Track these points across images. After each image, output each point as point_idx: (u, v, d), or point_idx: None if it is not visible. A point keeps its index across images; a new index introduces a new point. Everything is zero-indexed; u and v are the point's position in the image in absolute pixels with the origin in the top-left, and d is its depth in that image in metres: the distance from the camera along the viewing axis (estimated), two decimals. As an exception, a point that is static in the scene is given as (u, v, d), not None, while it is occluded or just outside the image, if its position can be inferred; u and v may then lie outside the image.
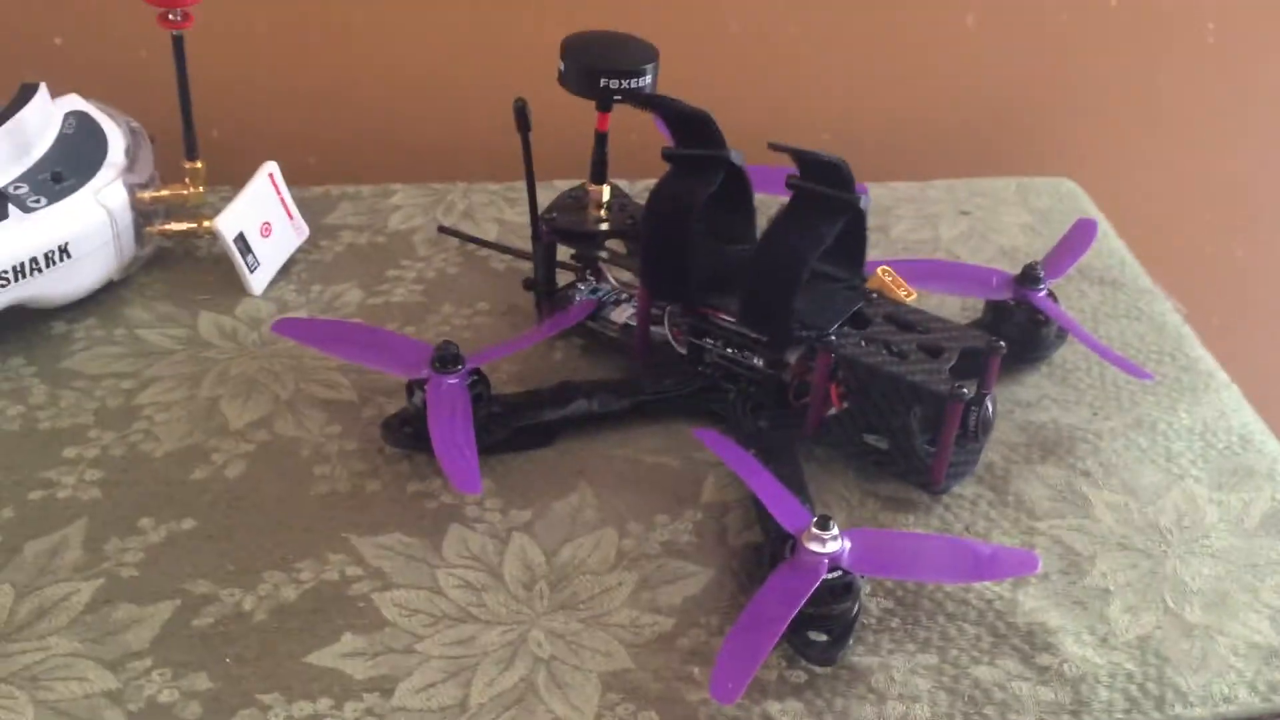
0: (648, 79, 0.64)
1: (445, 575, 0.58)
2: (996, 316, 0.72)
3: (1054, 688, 0.53)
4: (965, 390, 0.59)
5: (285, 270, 0.78)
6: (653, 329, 0.68)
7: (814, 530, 0.52)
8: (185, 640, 0.54)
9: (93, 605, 0.55)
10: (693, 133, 0.63)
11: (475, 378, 0.62)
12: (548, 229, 0.68)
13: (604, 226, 0.68)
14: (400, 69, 0.92)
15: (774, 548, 0.55)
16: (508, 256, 0.79)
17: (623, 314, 0.70)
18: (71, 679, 0.52)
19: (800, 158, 0.60)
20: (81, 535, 0.58)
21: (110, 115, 0.76)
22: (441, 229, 0.81)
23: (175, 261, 0.78)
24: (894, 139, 1.00)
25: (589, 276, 0.72)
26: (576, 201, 0.69)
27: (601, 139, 0.67)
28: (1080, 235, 0.77)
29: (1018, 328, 0.71)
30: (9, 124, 0.70)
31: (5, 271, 0.67)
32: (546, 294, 0.71)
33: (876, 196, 0.88)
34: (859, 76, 0.98)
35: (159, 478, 0.62)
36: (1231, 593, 0.59)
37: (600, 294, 0.71)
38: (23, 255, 0.67)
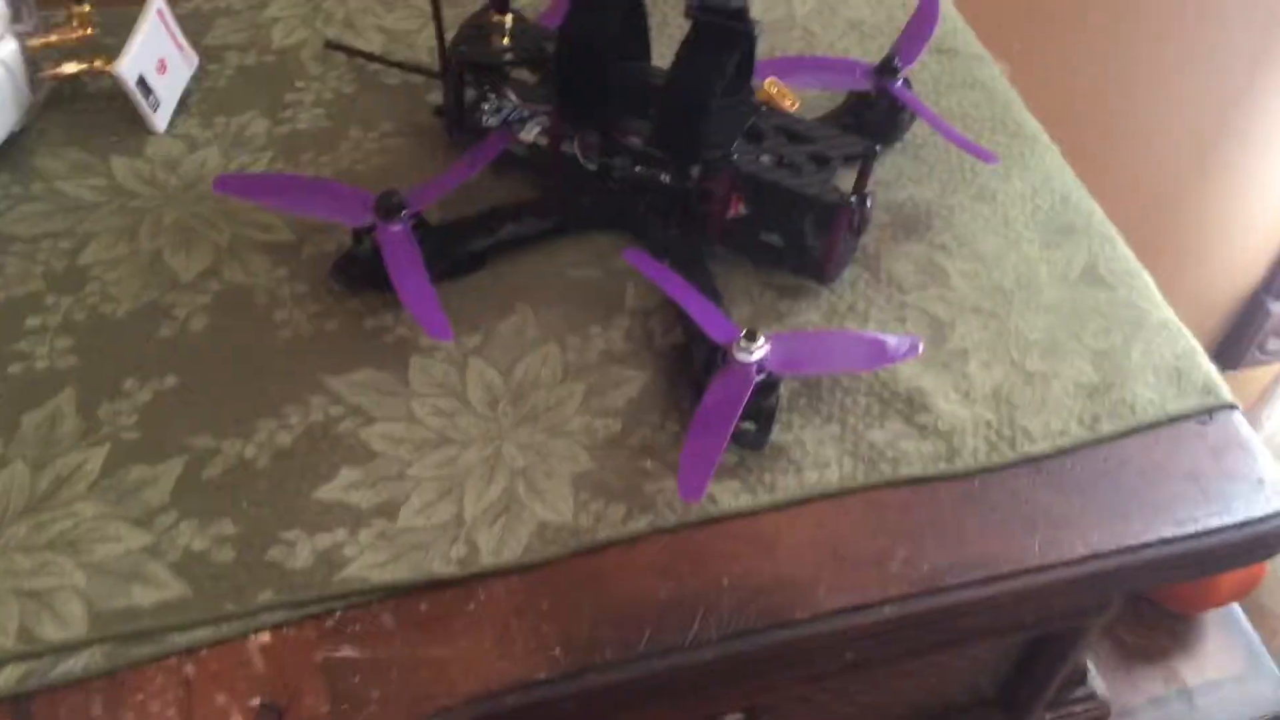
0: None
1: (418, 404, 0.65)
2: (860, 106, 0.80)
3: (932, 441, 0.66)
4: (851, 199, 0.68)
5: (183, 103, 0.79)
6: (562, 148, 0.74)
7: (743, 343, 0.62)
8: (201, 491, 0.61)
9: (107, 469, 0.61)
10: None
11: (417, 220, 0.67)
12: (456, 61, 0.72)
13: (510, 56, 0.72)
14: None
15: (706, 355, 0.65)
16: (399, 70, 0.82)
17: (529, 132, 0.75)
18: (108, 540, 0.59)
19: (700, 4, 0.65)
20: (73, 403, 0.63)
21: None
22: (329, 44, 0.83)
23: (69, 103, 0.78)
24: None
25: (490, 95, 0.76)
26: (480, 30, 0.73)
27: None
28: (926, 16, 0.85)
29: (880, 115, 0.80)
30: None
31: (-83, 145, 0.67)
32: (458, 122, 0.75)
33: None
34: None
35: (128, 338, 0.66)
36: (1061, 340, 0.72)
37: (506, 114, 0.75)
38: (-70, 126, 0.67)
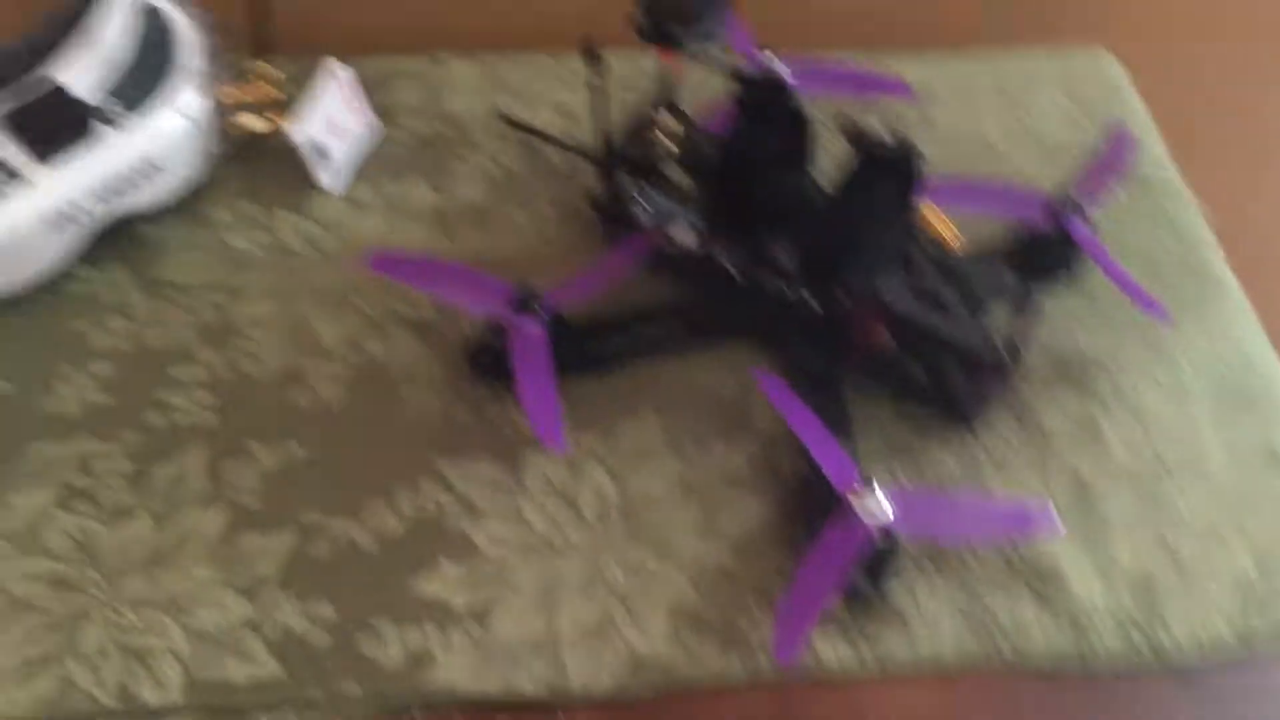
0: (717, 33, 0.65)
1: (527, 504, 0.65)
2: (1031, 239, 0.76)
3: (1061, 622, 0.62)
4: (1003, 353, 0.64)
5: (357, 164, 0.81)
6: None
7: (862, 495, 0.59)
8: (307, 569, 0.62)
9: (224, 534, 0.63)
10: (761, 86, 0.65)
11: (553, 317, 0.67)
12: (617, 154, 0.71)
13: (671, 159, 0.71)
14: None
15: (824, 497, 0.62)
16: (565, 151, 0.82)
17: (681, 234, 0.73)
18: (213, 606, 0.60)
19: (862, 138, 0.62)
20: (203, 461, 0.65)
21: (182, 8, 0.77)
22: (502, 118, 0.84)
23: (250, 155, 0.81)
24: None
25: (647, 192, 0.75)
26: (646, 127, 0.72)
27: (673, 76, 0.69)
28: (1119, 149, 0.80)
29: (1052, 252, 0.75)
30: (86, 32, 0.71)
31: (96, 191, 0.70)
32: (612, 215, 0.74)
33: (913, 73, 0.89)
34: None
35: (264, 401, 0.68)
36: (1222, 526, 0.67)
37: (660, 212, 0.74)
38: (111, 174, 0.71)
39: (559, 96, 0.87)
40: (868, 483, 0.60)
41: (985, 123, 0.89)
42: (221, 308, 0.72)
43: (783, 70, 0.71)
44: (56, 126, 0.68)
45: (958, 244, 0.70)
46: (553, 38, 0.91)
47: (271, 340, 0.71)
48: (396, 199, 0.79)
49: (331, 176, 0.79)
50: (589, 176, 0.81)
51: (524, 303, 0.66)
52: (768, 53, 0.68)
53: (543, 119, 0.85)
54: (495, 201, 0.80)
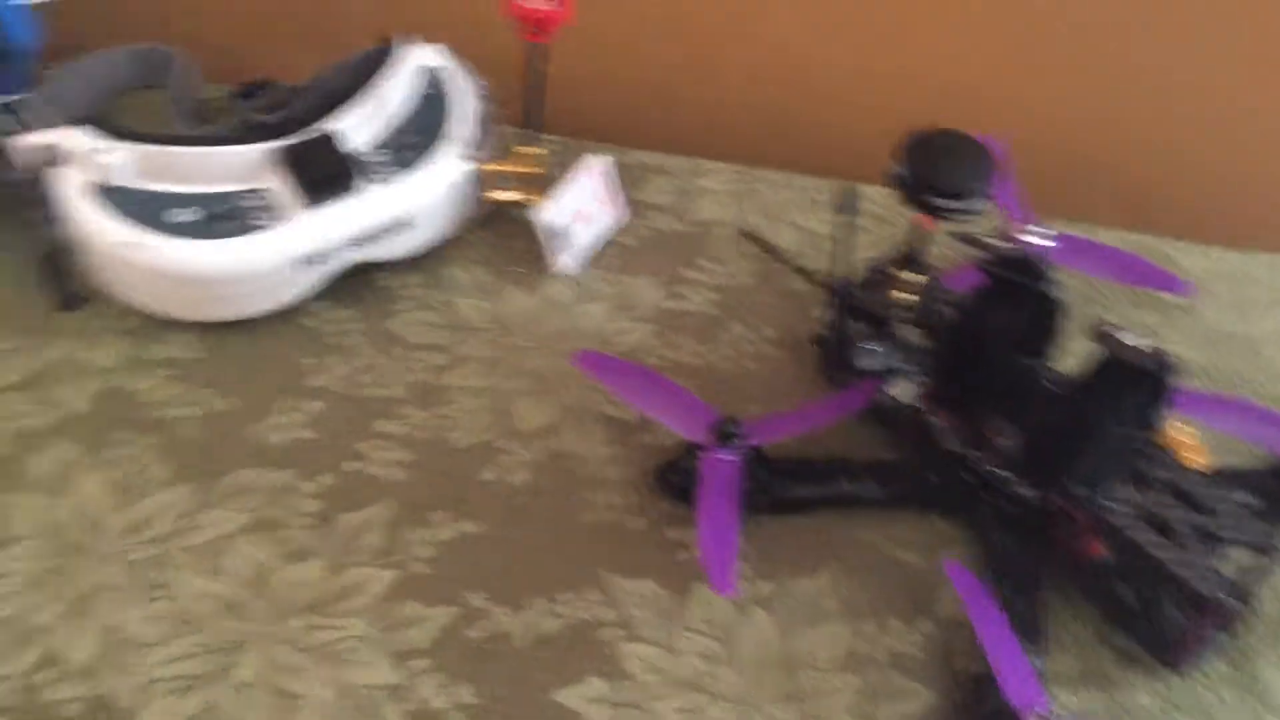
0: (980, 207, 0.62)
1: (686, 637, 0.63)
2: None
3: None
4: (1230, 601, 0.58)
5: (595, 250, 0.82)
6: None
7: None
8: (458, 649, 0.62)
9: (388, 595, 0.63)
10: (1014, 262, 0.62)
11: (751, 451, 0.65)
12: (848, 297, 0.69)
13: (902, 313, 0.68)
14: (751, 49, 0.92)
15: (996, 709, 0.58)
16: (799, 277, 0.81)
17: (900, 389, 0.71)
18: (364, 666, 0.61)
19: (1113, 342, 0.58)
20: (385, 518, 0.67)
21: (464, 75, 0.80)
22: (744, 233, 0.83)
23: (497, 223, 0.83)
24: (1216, 199, 0.93)
25: (872, 339, 0.72)
26: (884, 276, 0.70)
27: (924, 235, 0.67)
28: None
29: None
30: (372, 89, 0.75)
31: (351, 239, 0.73)
32: (833, 355, 0.72)
33: (1190, 264, 0.84)
34: (1183, 123, 0.91)
35: (454, 471, 0.69)
36: None
37: (882, 362, 0.71)
38: (369, 225, 0.73)
39: (806, 219, 0.85)
40: (1050, 709, 0.55)
41: (1256, 326, 0.82)
42: (436, 370, 0.74)
43: (1047, 241, 0.68)
44: (327, 175, 0.71)
45: (1201, 466, 0.64)
46: (813, 158, 0.91)
47: (474, 412, 0.72)
48: (626, 293, 0.80)
49: (569, 259, 0.80)
50: (820, 307, 0.79)
51: (724, 432, 0.64)
52: (1035, 223, 0.65)
53: (785, 239, 0.84)
54: (721, 314, 0.79)
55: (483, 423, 0.71)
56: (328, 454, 0.69)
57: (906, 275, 0.68)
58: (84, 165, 0.70)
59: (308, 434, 0.70)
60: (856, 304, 0.69)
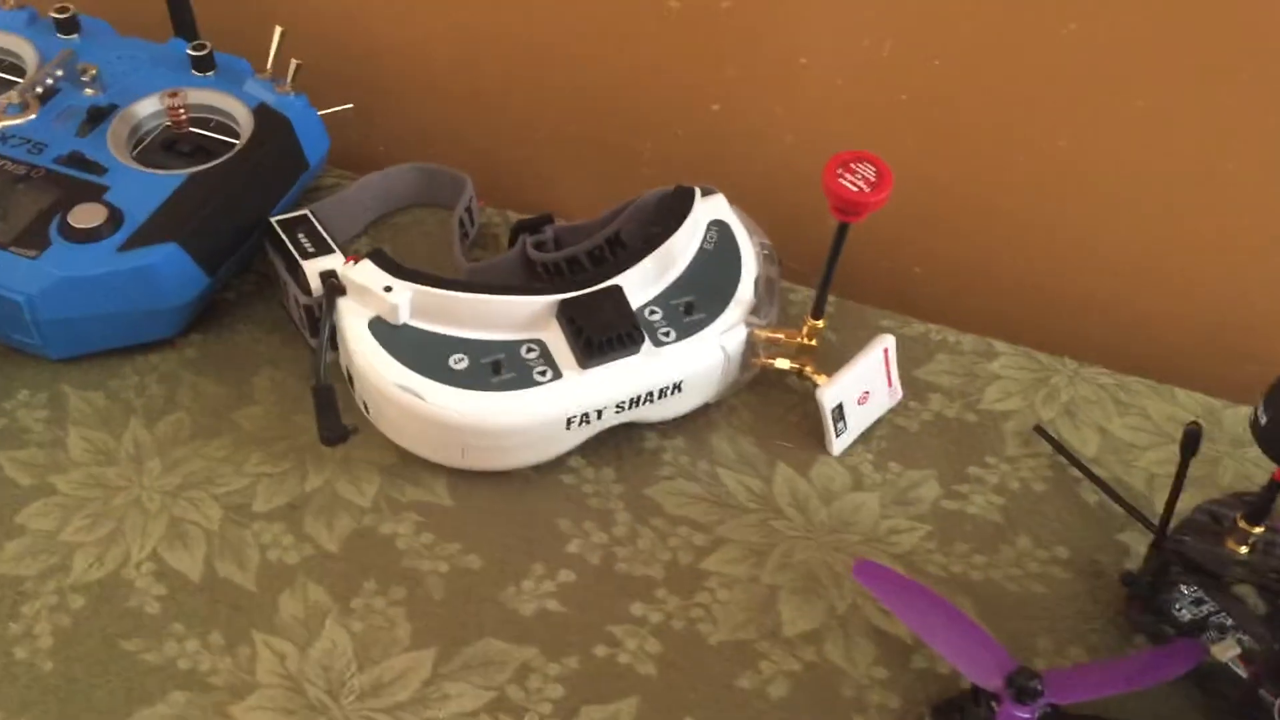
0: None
1: None
2: None
3: None
4: None
5: (867, 432, 0.76)
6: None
7: None
8: None
9: (627, 809, 0.58)
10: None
11: (1050, 710, 0.58)
12: (1171, 549, 0.61)
13: (1240, 573, 0.60)
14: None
15: None
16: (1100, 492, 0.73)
17: (1225, 651, 0.62)
18: None
19: None
20: (629, 716, 0.62)
21: (747, 230, 0.76)
22: (1038, 429, 0.76)
23: (763, 387, 0.78)
24: None
25: (1202, 590, 0.64)
26: (1216, 522, 0.61)
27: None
28: None
29: None
30: (666, 240, 0.71)
31: (624, 401, 0.69)
32: (1145, 598, 0.64)
33: None
34: None
35: (708, 670, 0.64)
36: None
37: (1206, 614, 0.63)
38: (642, 388, 0.70)
39: (1109, 422, 0.77)
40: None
41: None
42: (696, 550, 0.69)
43: None
44: (608, 338, 0.67)
45: None
46: (1120, 352, 0.83)
47: (733, 605, 0.66)
48: (903, 486, 0.73)
49: (841, 440, 0.74)
50: (1123, 529, 0.71)
51: (1022, 686, 0.57)
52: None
53: (1086, 443, 0.76)
54: (1005, 522, 0.71)
55: (741, 618, 0.66)
56: (577, 633, 0.65)
57: (1242, 523, 0.59)
58: (368, 299, 0.69)
59: (559, 608, 0.66)
60: (1186, 553, 0.61)
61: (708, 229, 0.76)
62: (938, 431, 0.76)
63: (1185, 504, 0.64)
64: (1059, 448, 0.75)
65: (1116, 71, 0.76)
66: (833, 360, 0.75)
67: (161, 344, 0.77)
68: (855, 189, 0.62)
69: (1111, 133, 0.79)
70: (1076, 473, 0.74)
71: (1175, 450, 0.73)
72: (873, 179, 0.63)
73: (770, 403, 0.77)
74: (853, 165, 0.63)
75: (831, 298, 0.84)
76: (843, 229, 0.66)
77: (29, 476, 0.70)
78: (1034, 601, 0.68)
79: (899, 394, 0.77)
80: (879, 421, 0.76)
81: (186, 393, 0.75)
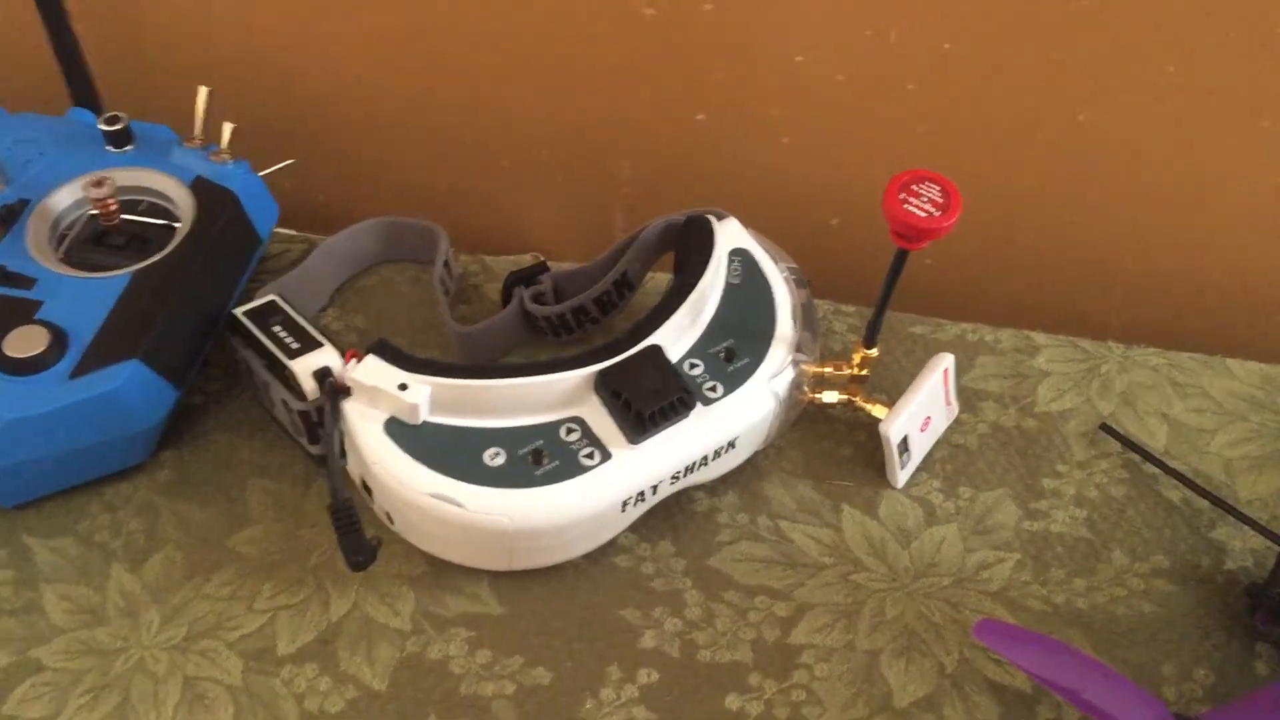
0: None
1: None
2: None
3: None
4: None
5: (929, 455, 0.70)
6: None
7: None
8: None
9: None
10: None
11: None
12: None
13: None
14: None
15: None
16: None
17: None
18: None
19: None
20: (755, 831, 0.55)
21: (770, 256, 0.69)
22: (1104, 428, 0.71)
23: (808, 421, 0.71)
24: None
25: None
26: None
27: None
28: None
29: None
30: (698, 289, 0.64)
31: (679, 471, 0.62)
32: (1273, 610, 0.60)
33: None
34: None
35: (826, 762, 0.58)
36: None
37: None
38: (696, 454, 0.62)
39: (1172, 409, 0.73)
40: None
41: None
42: (781, 622, 0.62)
43: None
44: (659, 408, 0.60)
45: None
46: (1162, 328, 0.79)
47: (835, 680, 0.60)
48: (977, 512, 0.68)
49: (905, 471, 0.68)
50: (1215, 525, 0.67)
51: (1185, 738, 0.52)
52: None
53: (1153, 434, 0.71)
54: (1093, 537, 0.66)
55: (848, 695, 0.60)
56: (671, 742, 0.58)
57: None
58: (380, 399, 0.60)
59: (646, 713, 0.59)
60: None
61: (730, 260, 0.68)
62: (999, 444, 0.71)
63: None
64: (1130, 444, 0.70)
65: (1141, 38, 0.71)
66: (872, 377, 0.69)
67: (130, 470, 0.67)
68: (924, 214, 0.56)
69: (1140, 101, 0.74)
70: (1150, 468, 0.70)
71: (1243, 429, 0.70)
72: (940, 200, 0.56)
73: (817, 437, 0.71)
74: (914, 186, 0.57)
75: (851, 307, 0.79)
76: (901, 255, 0.60)
77: (6, 654, 0.60)
78: (1147, 624, 0.63)
79: (955, 410, 0.71)
80: (938, 442, 0.71)
81: (170, 523, 0.66)
